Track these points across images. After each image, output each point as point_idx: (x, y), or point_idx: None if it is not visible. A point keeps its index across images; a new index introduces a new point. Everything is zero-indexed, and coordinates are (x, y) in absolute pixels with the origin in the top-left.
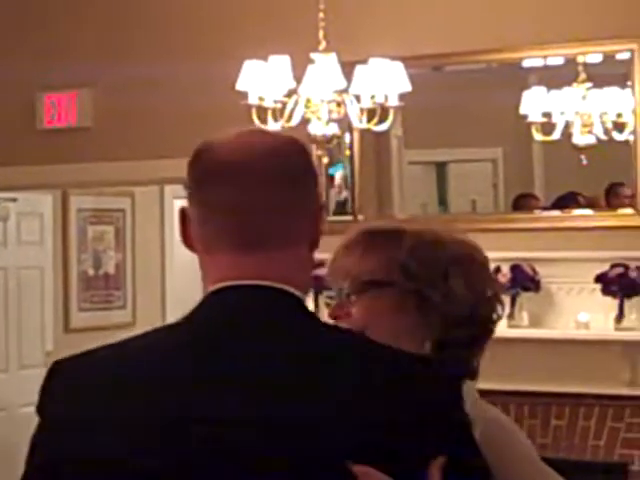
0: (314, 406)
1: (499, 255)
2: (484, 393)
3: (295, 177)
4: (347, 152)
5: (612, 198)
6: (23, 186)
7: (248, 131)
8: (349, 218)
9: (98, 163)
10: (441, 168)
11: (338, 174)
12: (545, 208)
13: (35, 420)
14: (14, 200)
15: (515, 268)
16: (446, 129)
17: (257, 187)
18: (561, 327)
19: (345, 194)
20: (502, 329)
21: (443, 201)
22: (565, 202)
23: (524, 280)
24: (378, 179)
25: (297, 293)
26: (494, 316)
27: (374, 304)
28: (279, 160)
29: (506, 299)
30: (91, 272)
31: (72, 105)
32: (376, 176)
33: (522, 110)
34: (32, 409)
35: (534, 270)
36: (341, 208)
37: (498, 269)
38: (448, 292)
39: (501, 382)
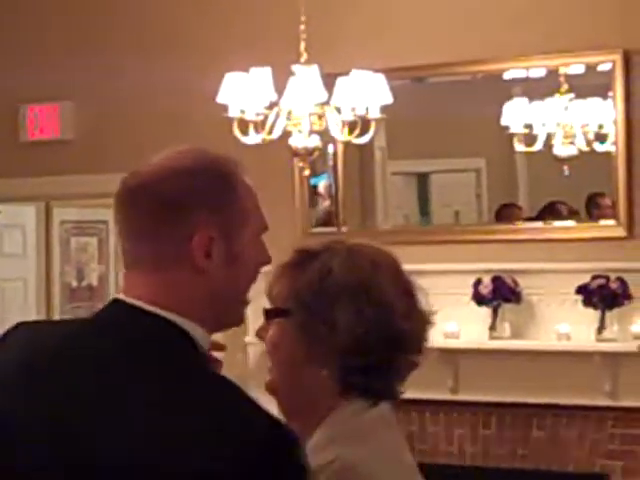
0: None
1: (480, 267)
2: (466, 404)
3: (172, 204)
4: (331, 162)
5: (593, 208)
6: (5, 198)
7: (175, 152)
8: (333, 230)
9: (81, 175)
10: (424, 179)
11: (322, 184)
12: (528, 219)
13: None
14: None
15: (496, 280)
16: (429, 140)
17: (130, 214)
18: (542, 338)
19: (328, 203)
20: (484, 340)
21: (425, 212)
22: (548, 212)
23: (505, 292)
24: (362, 190)
25: (163, 314)
26: (405, 334)
27: (276, 331)
28: (162, 186)
29: (488, 311)
30: (74, 284)
31: (54, 117)
32: (360, 187)
33: (504, 121)
34: None
35: (515, 282)
36: (326, 219)
37: (479, 281)
38: (334, 323)
39: (482, 393)
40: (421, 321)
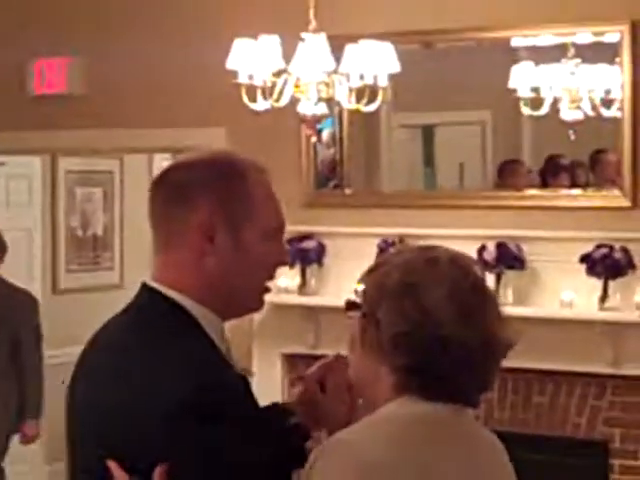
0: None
1: (485, 233)
2: None
3: (182, 188)
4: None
5: (596, 165)
6: (12, 150)
7: (205, 151)
8: (337, 191)
9: (87, 130)
10: (429, 131)
11: (327, 130)
12: (530, 184)
13: None
14: (2, 164)
15: (500, 246)
16: (435, 97)
17: (152, 202)
18: (545, 305)
19: (333, 150)
20: None
21: (430, 163)
22: (553, 171)
23: (509, 258)
24: (366, 141)
25: (169, 293)
26: (446, 339)
27: (351, 324)
28: (177, 174)
29: (491, 277)
30: (79, 233)
31: (62, 72)
32: (364, 138)
33: (511, 84)
34: None
35: (519, 248)
36: (329, 171)
37: (483, 247)
38: (378, 321)
39: None
40: (473, 328)
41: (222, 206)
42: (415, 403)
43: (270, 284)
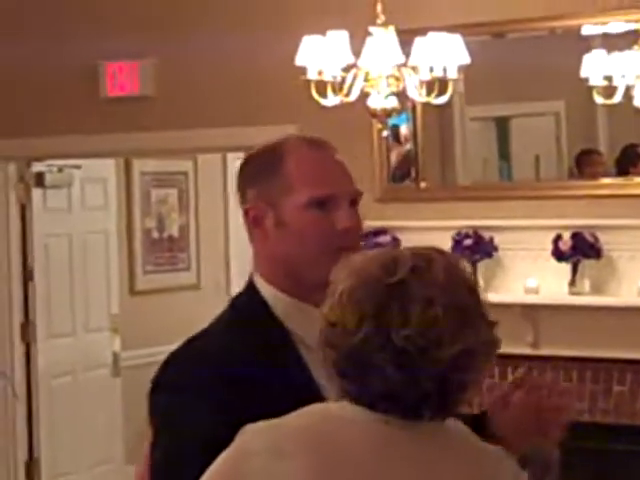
0: None
1: (560, 223)
2: (546, 359)
3: (238, 188)
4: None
5: None
6: (86, 154)
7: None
8: (411, 184)
9: (160, 132)
10: (503, 123)
11: (403, 126)
12: (607, 173)
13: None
14: (78, 167)
15: (576, 236)
16: (507, 88)
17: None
18: (623, 294)
19: (409, 146)
20: (564, 296)
21: (505, 156)
22: (630, 160)
23: (585, 247)
24: (441, 135)
25: (257, 282)
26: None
27: None
28: (238, 174)
29: (567, 267)
30: (155, 235)
31: (134, 74)
32: (439, 131)
33: (583, 73)
34: (98, 372)
35: (595, 237)
36: (404, 169)
37: (559, 237)
38: None
39: (563, 348)
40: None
41: (264, 192)
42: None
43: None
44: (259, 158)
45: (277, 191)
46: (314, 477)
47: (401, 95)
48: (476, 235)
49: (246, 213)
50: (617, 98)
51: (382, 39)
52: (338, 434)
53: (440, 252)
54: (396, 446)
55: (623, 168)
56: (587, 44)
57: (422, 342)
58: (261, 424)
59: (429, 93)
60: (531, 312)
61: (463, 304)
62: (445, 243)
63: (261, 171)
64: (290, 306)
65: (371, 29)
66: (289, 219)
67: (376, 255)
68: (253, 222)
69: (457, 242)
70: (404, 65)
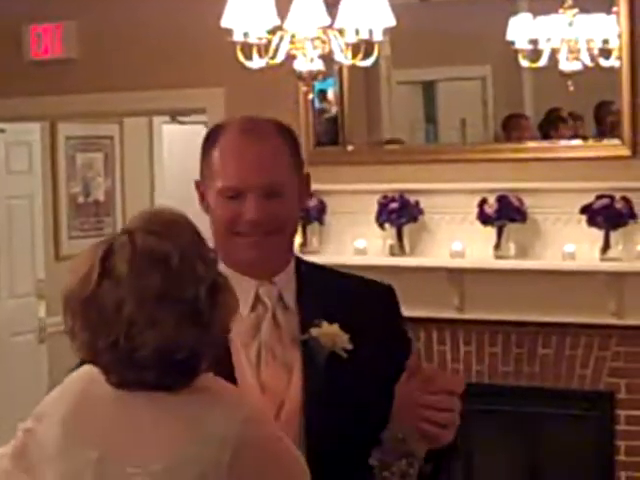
0: None
1: (486, 186)
2: (472, 322)
3: None
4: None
5: (600, 117)
6: (10, 117)
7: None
8: (338, 148)
9: (85, 95)
10: (430, 87)
11: (330, 90)
12: (533, 137)
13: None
14: (2, 131)
15: (501, 199)
16: (434, 50)
17: None
18: (548, 258)
19: (335, 110)
20: (489, 260)
21: (431, 120)
22: (553, 123)
23: (510, 211)
24: (367, 98)
25: None
26: None
27: None
28: None
29: (493, 230)
30: (81, 199)
31: (58, 37)
32: (365, 95)
33: (509, 37)
34: (24, 338)
35: (520, 201)
36: (331, 133)
37: (484, 200)
38: None
39: (488, 312)
40: None
41: (202, 172)
42: None
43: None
44: (206, 137)
45: (207, 175)
46: (61, 429)
47: (327, 58)
48: (402, 199)
49: (197, 186)
50: (542, 62)
51: (308, 1)
52: (90, 395)
53: (130, 233)
54: (128, 405)
55: (546, 132)
56: (514, 7)
57: (128, 345)
58: None
59: (355, 56)
60: (457, 276)
61: (154, 291)
62: (371, 206)
63: (203, 151)
64: (240, 285)
65: None
66: (211, 204)
67: (78, 264)
68: (200, 197)
69: (383, 205)
70: (330, 27)
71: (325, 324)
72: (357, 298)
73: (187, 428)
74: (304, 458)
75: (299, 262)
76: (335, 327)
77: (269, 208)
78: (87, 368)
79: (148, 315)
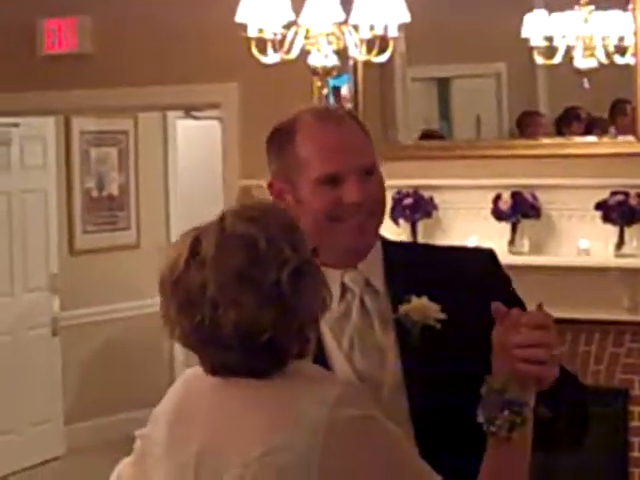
0: None
1: (500, 182)
2: None
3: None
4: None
5: (617, 115)
6: (24, 111)
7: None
8: None
9: (100, 89)
10: (444, 84)
11: (344, 87)
12: (547, 134)
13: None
14: (16, 125)
15: (516, 195)
16: (449, 47)
17: None
18: (562, 254)
19: (350, 106)
20: (503, 255)
21: (446, 116)
22: (567, 120)
23: (525, 207)
24: (382, 94)
25: None
26: None
27: None
28: None
29: (507, 226)
30: (95, 194)
31: (73, 31)
32: (379, 91)
33: (524, 34)
34: (37, 332)
35: (535, 197)
36: None
37: (499, 196)
38: None
39: None
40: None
41: (282, 170)
42: None
43: None
44: (276, 135)
45: (291, 170)
46: (167, 428)
47: (342, 54)
48: (416, 194)
49: (270, 186)
50: (557, 59)
51: None
52: (191, 391)
53: (221, 219)
54: (222, 396)
55: (560, 129)
56: (529, 4)
57: (212, 325)
58: None
59: (369, 51)
60: None
61: (237, 271)
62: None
63: (278, 149)
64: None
65: None
66: (304, 196)
67: (172, 249)
68: (277, 196)
69: (397, 201)
70: (345, 23)
71: (414, 298)
72: (450, 268)
73: (278, 415)
74: (410, 436)
75: (385, 243)
76: (424, 300)
77: (368, 188)
78: (193, 368)
79: (229, 295)
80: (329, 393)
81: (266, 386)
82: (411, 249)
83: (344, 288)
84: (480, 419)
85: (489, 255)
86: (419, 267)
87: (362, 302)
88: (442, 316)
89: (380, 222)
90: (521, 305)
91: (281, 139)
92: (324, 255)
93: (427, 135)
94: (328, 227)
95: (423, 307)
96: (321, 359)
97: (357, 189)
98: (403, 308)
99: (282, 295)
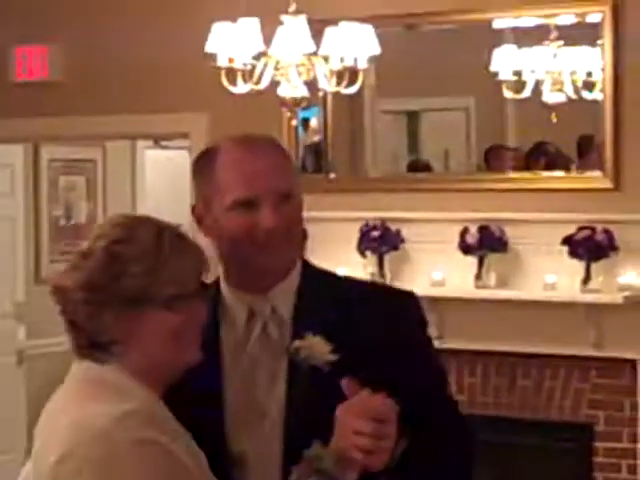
0: None
1: (468, 216)
2: (451, 352)
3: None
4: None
5: (584, 150)
6: None
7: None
8: (321, 176)
9: (69, 117)
10: (414, 116)
11: (314, 118)
12: (514, 167)
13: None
14: None
15: (483, 229)
16: (418, 81)
17: None
18: (528, 288)
19: (319, 137)
20: (470, 290)
21: (415, 149)
22: (535, 155)
23: (492, 241)
24: (351, 127)
25: None
26: None
27: None
28: None
29: (474, 260)
30: (62, 222)
31: (43, 59)
32: (349, 123)
33: (493, 68)
34: (2, 360)
35: (502, 231)
36: (313, 160)
37: (466, 230)
38: None
39: (468, 342)
40: None
41: (201, 192)
42: None
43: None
44: (200, 159)
45: (210, 193)
46: None
47: (312, 86)
48: (383, 227)
49: (192, 211)
50: (526, 93)
51: (293, 27)
52: None
53: None
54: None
55: (527, 163)
56: (498, 38)
57: None
58: None
59: (339, 83)
60: (437, 305)
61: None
62: (352, 234)
63: (199, 174)
64: (240, 302)
65: (282, 17)
66: (221, 220)
67: None
68: (197, 221)
69: (364, 233)
70: (315, 54)
71: (310, 336)
72: (365, 307)
73: (75, 422)
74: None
75: (306, 270)
76: (317, 338)
77: (284, 214)
78: None
79: None
80: (120, 407)
81: (78, 387)
82: (330, 281)
83: (251, 313)
84: (292, 477)
85: (410, 297)
86: (331, 302)
87: (265, 328)
88: (332, 358)
89: (296, 247)
90: (428, 354)
91: (203, 164)
92: (238, 278)
93: (414, 165)
94: (243, 251)
95: (313, 346)
96: (217, 379)
97: (272, 214)
98: (295, 343)
99: None
